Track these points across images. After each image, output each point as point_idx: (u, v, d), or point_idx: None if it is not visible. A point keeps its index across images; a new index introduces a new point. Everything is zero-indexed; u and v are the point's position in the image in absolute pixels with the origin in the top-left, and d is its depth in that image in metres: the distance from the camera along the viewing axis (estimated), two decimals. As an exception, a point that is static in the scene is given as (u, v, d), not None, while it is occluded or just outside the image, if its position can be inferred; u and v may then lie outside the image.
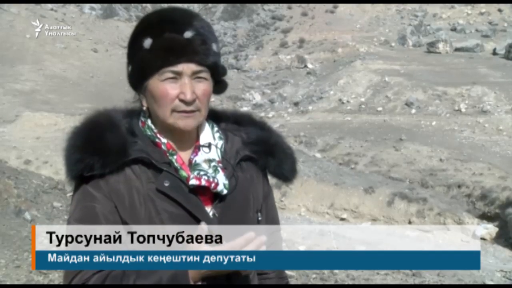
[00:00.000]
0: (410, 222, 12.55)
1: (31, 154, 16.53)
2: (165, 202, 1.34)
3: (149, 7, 42.72)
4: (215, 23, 42.90)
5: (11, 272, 4.88)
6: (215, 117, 1.52)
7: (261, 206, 1.51)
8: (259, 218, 1.49)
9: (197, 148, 1.43)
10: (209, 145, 1.43)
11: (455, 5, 41.87)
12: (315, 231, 11.15)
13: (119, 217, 1.33)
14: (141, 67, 1.36)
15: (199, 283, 1.27)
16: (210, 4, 45.89)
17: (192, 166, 1.39)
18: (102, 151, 1.32)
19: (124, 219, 1.33)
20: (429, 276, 7.79)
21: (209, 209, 1.39)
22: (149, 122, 1.42)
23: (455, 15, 41.13)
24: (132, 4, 45.41)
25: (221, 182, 1.38)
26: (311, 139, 19.88)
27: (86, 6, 41.09)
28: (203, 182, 1.36)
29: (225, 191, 1.39)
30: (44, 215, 6.76)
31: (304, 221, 12.91)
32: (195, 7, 41.48)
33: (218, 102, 24.39)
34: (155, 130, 1.40)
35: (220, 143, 1.46)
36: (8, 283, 4.66)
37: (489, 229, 11.76)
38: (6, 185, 6.98)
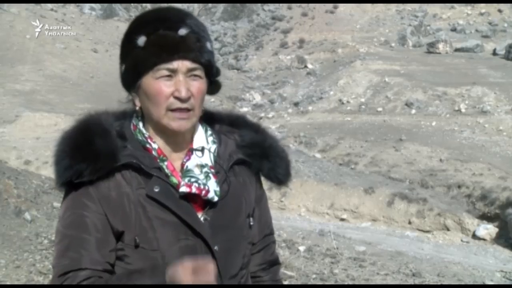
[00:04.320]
0: (410, 223, 12.55)
1: (31, 154, 16.53)
2: (156, 208, 1.32)
3: (149, 7, 42.55)
4: (215, 23, 42.94)
5: (11, 272, 4.87)
6: (209, 118, 1.50)
7: (253, 210, 1.50)
8: (251, 223, 1.47)
9: (190, 151, 1.41)
10: (202, 149, 1.41)
11: (455, 5, 41.89)
12: (315, 231, 11.14)
13: (109, 225, 1.32)
14: (135, 65, 1.34)
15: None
16: (210, 4, 45.91)
17: (184, 172, 1.38)
18: (91, 158, 1.30)
19: (114, 226, 1.32)
20: (429, 276, 7.78)
21: (200, 215, 1.37)
22: (140, 125, 1.40)
23: (455, 15, 41.15)
24: (132, 4, 45.41)
25: (212, 189, 1.37)
26: (311, 140, 19.88)
27: (86, 6, 41.09)
28: (194, 190, 1.34)
29: (216, 198, 1.37)
30: (44, 215, 6.75)
31: (304, 221, 12.91)
32: (195, 7, 41.54)
33: (218, 102, 24.40)
34: (146, 135, 1.39)
35: (213, 147, 1.44)
36: (8, 283, 4.66)
37: (489, 229, 11.75)
38: (6, 185, 6.97)
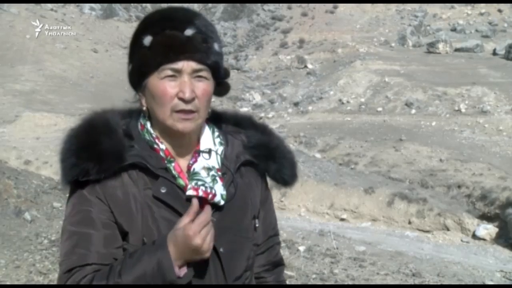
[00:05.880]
0: (410, 223, 12.55)
1: (31, 155, 16.54)
2: (162, 209, 1.32)
3: (149, 7, 42.73)
4: (215, 23, 42.90)
5: (11, 272, 4.88)
6: (215, 118, 1.48)
7: (258, 212, 1.49)
8: (257, 225, 1.47)
9: (197, 153, 1.40)
10: (209, 151, 1.40)
11: (455, 5, 41.92)
12: (315, 231, 11.15)
13: (115, 221, 1.31)
14: (141, 65, 1.33)
15: (186, 272, 1.27)
16: (210, 4, 45.92)
17: (190, 174, 1.37)
18: (97, 157, 1.29)
19: (120, 224, 1.31)
20: (429, 276, 7.78)
21: None
22: (148, 125, 1.39)
23: (455, 15, 41.17)
24: (132, 4, 45.44)
25: (219, 193, 1.36)
26: (311, 140, 19.88)
27: (86, 6, 41.10)
28: (200, 193, 1.33)
29: (222, 202, 1.36)
30: (44, 215, 6.75)
31: (304, 221, 12.91)
32: (195, 7, 41.47)
33: (218, 102, 24.40)
34: (154, 135, 1.38)
35: (220, 149, 1.43)
36: (8, 283, 4.66)
37: (489, 229, 11.75)
38: (6, 185, 6.97)
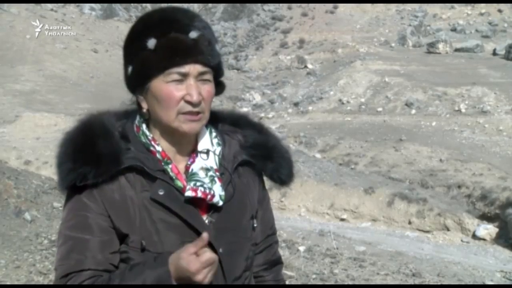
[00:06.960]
0: (410, 223, 12.55)
1: (31, 155, 16.54)
2: (160, 211, 1.31)
3: (149, 7, 42.72)
4: (215, 23, 42.94)
5: (11, 272, 4.87)
6: (212, 118, 1.47)
7: (256, 211, 1.49)
8: (255, 225, 1.47)
9: (195, 154, 1.39)
10: (207, 152, 1.40)
11: (455, 5, 41.92)
12: (315, 231, 11.15)
13: (113, 227, 1.31)
14: (144, 68, 1.31)
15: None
16: (210, 4, 45.92)
17: (189, 175, 1.36)
18: (94, 160, 1.28)
19: (118, 228, 1.31)
20: (429, 276, 7.78)
21: (204, 217, 1.36)
22: (144, 127, 1.37)
23: (455, 15, 41.17)
24: (132, 4, 45.44)
25: (217, 194, 1.35)
26: (311, 140, 19.89)
27: (86, 6, 41.12)
28: (199, 194, 1.33)
29: (220, 203, 1.36)
30: (44, 216, 6.75)
31: (304, 221, 12.91)
32: (195, 7, 41.51)
33: (218, 102, 24.41)
34: (150, 137, 1.36)
35: (218, 149, 1.43)
36: (8, 283, 4.66)
37: (489, 229, 11.75)
38: (6, 185, 6.97)
